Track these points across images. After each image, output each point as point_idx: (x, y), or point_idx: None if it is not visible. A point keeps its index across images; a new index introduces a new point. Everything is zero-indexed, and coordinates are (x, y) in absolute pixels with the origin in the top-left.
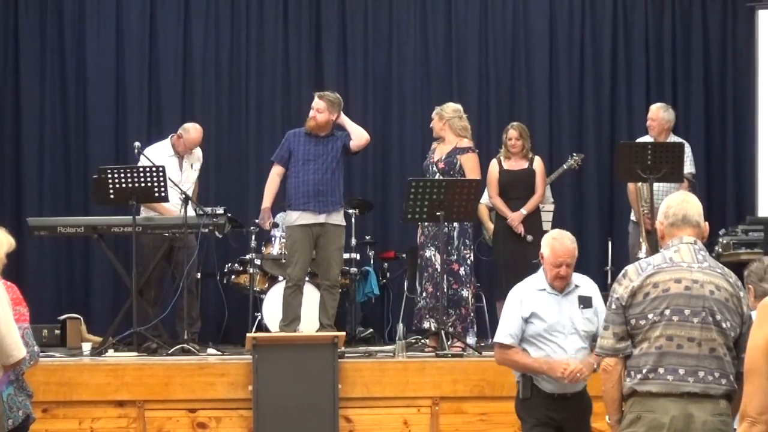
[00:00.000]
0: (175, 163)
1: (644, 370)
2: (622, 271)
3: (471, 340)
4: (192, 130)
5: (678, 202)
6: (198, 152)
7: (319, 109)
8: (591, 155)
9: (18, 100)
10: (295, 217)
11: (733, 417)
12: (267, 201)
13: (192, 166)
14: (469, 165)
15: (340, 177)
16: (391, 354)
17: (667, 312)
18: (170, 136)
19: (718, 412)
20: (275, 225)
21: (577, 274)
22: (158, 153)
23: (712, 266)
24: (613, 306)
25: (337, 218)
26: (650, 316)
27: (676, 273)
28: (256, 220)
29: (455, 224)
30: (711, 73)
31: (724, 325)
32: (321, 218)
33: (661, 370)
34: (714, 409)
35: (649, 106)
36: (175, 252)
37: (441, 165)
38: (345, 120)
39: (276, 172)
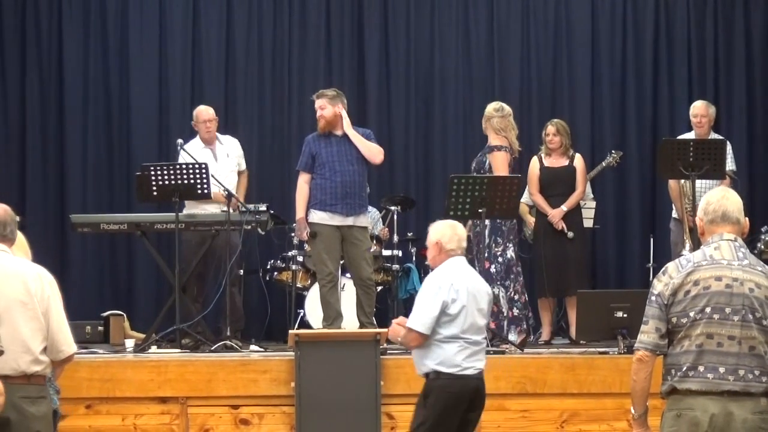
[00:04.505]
0: (209, 154)
1: (684, 368)
2: (663, 268)
3: (513, 336)
4: (196, 111)
5: (718, 199)
6: (232, 142)
7: (322, 107)
8: (633, 152)
9: (61, 98)
10: (321, 217)
11: None
12: (301, 211)
13: (228, 155)
14: (495, 163)
15: (364, 177)
16: None
17: (708, 310)
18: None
19: (759, 410)
20: (313, 235)
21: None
22: (192, 148)
23: (753, 264)
24: (654, 303)
25: (364, 220)
26: (691, 314)
27: (716, 270)
28: (292, 234)
29: (487, 222)
30: (753, 69)
31: (764, 323)
32: (349, 221)
33: (701, 368)
34: (754, 407)
35: (690, 102)
36: (217, 249)
37: (474, 164)
38: (354, 138)
39: (304, 180)
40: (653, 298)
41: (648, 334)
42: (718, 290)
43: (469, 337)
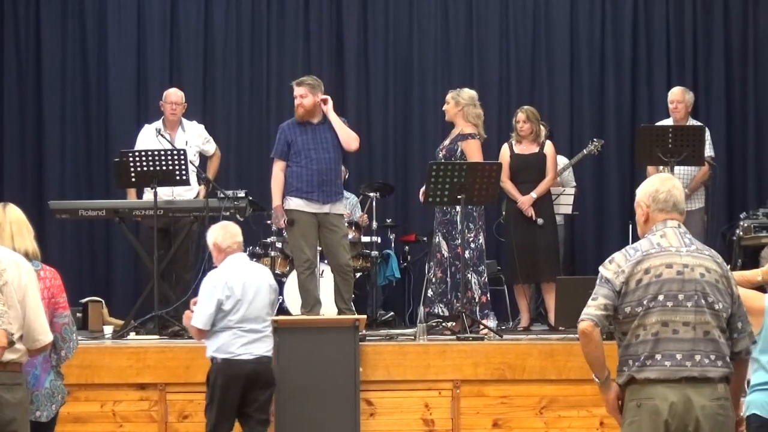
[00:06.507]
0: (165, 143)
1: (642, 358)
2: (609, 258)
3: (491, 323)
4: (166, 92)
5: (668, 188)
6: (195, 129)
7: (302, 95)
8: (611, 138)
9: (39, 85)
10: (298, 204)
11: (734, 399)
12: (277, 199)
13: (186, 142)
14: (470, 151)
15: (340, 164)
16: (412, 337)
17: (661, 297)
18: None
19: (716, 396)
20: (290, 222)
21: None
22: (148, 135)
23: (700, 249)
24: (606, 285)
25: (340, 207)
26: (645, 302)
27: (666, 258)
28: (268, 221)
29: (458, 208)
30: (732, 55)
31: (716, 307)
32: (325, 208)
33: (658, 357)
34: (712, 394)
35: (669, 89)
36: (170, 236)
37: (443, 152)
38: (334, 121)
39: (279, 168)
40: (603, 280)
41: (596, 308)
42: (670, 277)
43: (244, 326)
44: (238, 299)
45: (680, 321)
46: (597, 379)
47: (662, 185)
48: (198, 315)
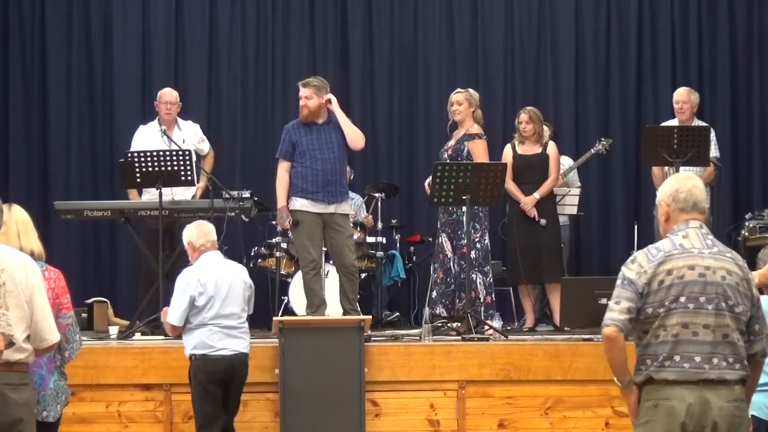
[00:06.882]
0: (167, 142)
1: (660, 358)
2: (631, 257)
3: (496, 323)
4: (160, 92)
5: (689, 187)
6: (190, 127)
7: (307, 96)
8: (617, 139)
9: (44, 85)
10: (303, 204)
11: (748, 400)
12: (282, 200)
13: (183, 141)
14: (477, 151)
15: (345, 164)
16: (418, 337)
17: (682, 299)
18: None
19: (733, 398)
20: (295, 223)
21: None
22: (148, 133)
23: (722, 251)
24: (628, 287)
25: (346, 207)
26: (666, 303)
27: (688, 260)
28: (273, 222)
29: (464, 209)
30: (737, 56)
31: (737, 310)
32: (330, 208)
33: (677, 358)
34: (729, 396)
35: (674, 89)
36: (173, 236)
37: (449, 152)
38: (341, 118)
39: (284, 168)
40: (626, 282)
41: (620, 312)
42: (692, 279)
43: (220, 323)
44: (211, 296)
45: (700, 323)
46: (619, 383)
47: (682, 185)
48: (171, 311)
